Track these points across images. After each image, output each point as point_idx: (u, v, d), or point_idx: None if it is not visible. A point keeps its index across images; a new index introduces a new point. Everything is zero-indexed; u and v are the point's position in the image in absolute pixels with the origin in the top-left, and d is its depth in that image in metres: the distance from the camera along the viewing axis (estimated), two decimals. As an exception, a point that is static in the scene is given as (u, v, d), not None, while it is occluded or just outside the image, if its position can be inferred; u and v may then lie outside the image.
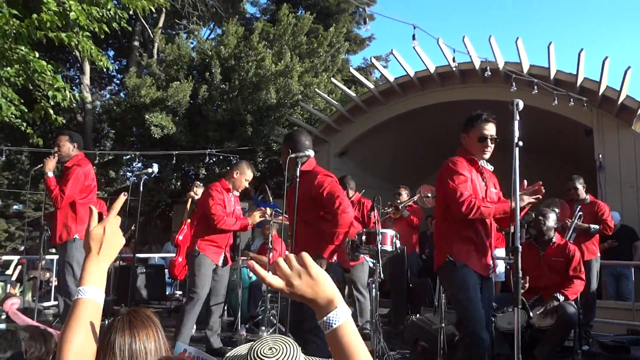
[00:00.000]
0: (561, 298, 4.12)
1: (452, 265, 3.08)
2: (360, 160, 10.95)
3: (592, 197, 5.75)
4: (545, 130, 8.74)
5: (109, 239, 1.30)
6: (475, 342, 2.86)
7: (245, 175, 4.89)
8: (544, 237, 4.51)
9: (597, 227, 5.38)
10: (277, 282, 1.07)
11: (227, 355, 1.42)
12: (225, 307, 6.44)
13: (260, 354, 1.31)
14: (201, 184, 7.15)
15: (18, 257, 8.43)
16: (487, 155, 3.23)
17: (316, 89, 12.85)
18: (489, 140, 3.17)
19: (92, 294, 1.23)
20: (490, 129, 3.17)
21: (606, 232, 5.49)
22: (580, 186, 5.63)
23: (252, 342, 1.42)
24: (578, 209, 5.42)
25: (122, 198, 1.35)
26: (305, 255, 1.08)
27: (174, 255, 7.71)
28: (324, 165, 10.53)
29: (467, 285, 3.00)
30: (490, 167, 3.36)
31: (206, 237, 4.73)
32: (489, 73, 8.16)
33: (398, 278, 6.19)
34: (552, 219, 4.55)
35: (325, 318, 1.05)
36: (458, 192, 3.00)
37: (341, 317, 1.05)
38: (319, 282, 1.07)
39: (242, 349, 1.46)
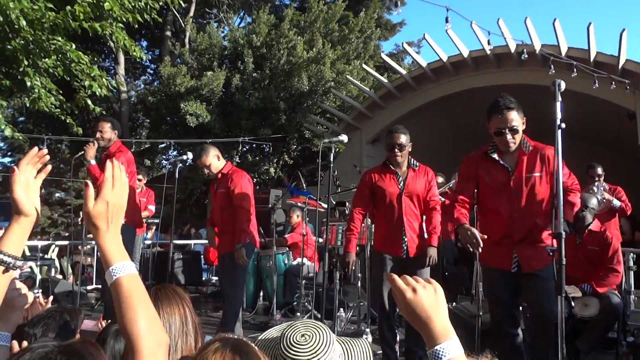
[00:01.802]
0: (586, 290, 4.00)
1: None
2: (393, 147, 10.85)
3: (609, 184, 5.74)
4: (585, 114, 8.46)
5: (113, 210, 1.16)
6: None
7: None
8: (582, 223, 4.32)
9: (619, 202, 5.48)
10: (401, 283, 1.08)
11: (260, 338, 1.42)
12: (262, 293, 6.53)
13: (294, 341, 1.30)
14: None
15: (65, 242, 8.69)
16: (512, 147, 3.04)
17: (348, 76, 12.76)
18: (506, 134, 2.99)
19: (126, 269, 1.13)
20: (506, 120, 2.97)
21: (625, 213, 5.62)
22: (602, 172, 5.67)
23: (282, 326, 1.41)
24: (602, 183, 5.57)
25: (110, 164, 1.19)
26: (434, 281, 1.11)
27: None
28: (356, 152, 10.54)
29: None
30: (528, 148, 3.10)
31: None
32: (526, 56, 7.93)
33: (433, 266, 6.12)
34: (593, 204, 4.38)
35: (437, 347, 1.01)
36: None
37: (453, 351, 1.00)
38: (440, 303, 1.06)
39: (273, 332, 1.45)
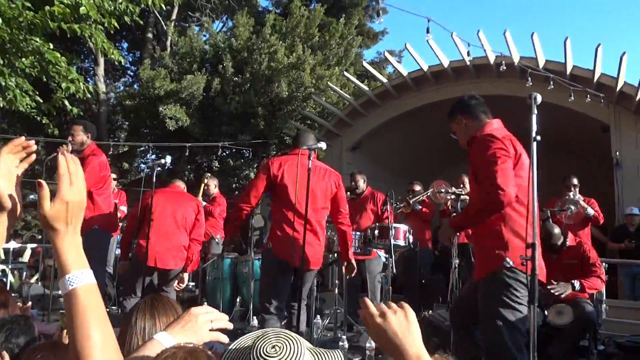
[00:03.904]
0: (577, 286, 4.03)
1: (511, 272, 2.62)
2: (373, 154, 10.90)
3: (583, 196, 5.82)
4: (561, 126, 8.62)
5: (73, 209, 1.04)
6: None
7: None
8: (555, 245, 4.39)
9: (592, 211, 5.58)
10: (371, 307, 1.06)
11: (230, 347, 1.40)
12: (238, 299, 6.48)
13: (264, 353, 1.28)
14: (211, 176, 7.20)
15: (34, 245, 8.54)
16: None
17: (329, 83, 12.79)
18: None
19: (85, 278, 1.02)
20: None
21: (598, 222, 5.76)
22: (577, 183, 5.80)
23: (255, 334, 1.39)
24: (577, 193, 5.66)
25: (62, 159, 1.07)
26: (406, 305, 1.08)
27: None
28: (336, 159, 10.56)
29: None
30: None
31: None
32: (504, 68, 8.06)
33: (410, 274, 6.16)
34: (556, 233, 4.43)
35: None
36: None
37: None
38: (412, 329, 1.03)
39: (245, 341, 1.43)
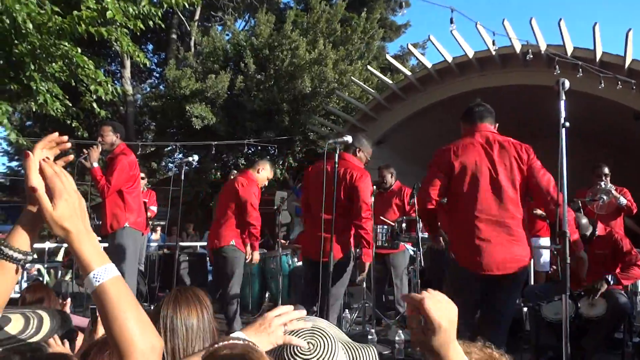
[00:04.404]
0: (611, 281, 3.94)
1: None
2: (398, 148, 10.83)
3: (615, 185, 5.65)
4: (591, 115, 8.42)
5: (76, 206, 1.03)
6: None
7: (269, 172, 5.14)
8: (583, 235, 4.27)
9: (625, 200, 5.42)
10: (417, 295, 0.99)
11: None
12: (267, 295, 6.54)
13: (298, 350, 1.29)
14: (237, 173, 7.27)
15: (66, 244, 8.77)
16: None
17: (352, 77, 12.76)
18: None
19: (109, 272, 1.02)
20: None
21: (632, 211, 5.58)
22: (608, 172, 5.62)
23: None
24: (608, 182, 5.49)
25: (44, 164, 1.05)
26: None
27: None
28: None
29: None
30: None
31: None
32: (531, 56, 7.90)
33: (438, 267, 6.12)
34: (583, 224, 4.28)
35: None
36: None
37: None
38: (452, 336, 0.98)
39: None
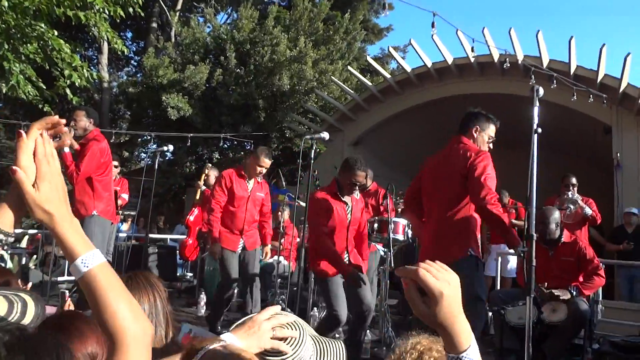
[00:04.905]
0: (574, 292, 4.06)
1: (474, 261, 3.10)
2: (374, 150, 10.90)
3: (581, 195, 5.80)
4: (562, 126, 8.62)
5: (59, 190, 1.01)
6: None
7: (257, 161, 4.82)
8: (550, 239, 4.39)
9: (590, 211, 5.56)
10: (432, 280, 0.90)
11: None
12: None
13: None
14: (212, 166, 7.22)
15: (34, 231, 8.58)
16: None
17: (332, 77, 12.78)
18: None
19: (97, 258, 0.99)
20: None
21: (596, 222, 5.70)
22: (576, 182, 5.76)
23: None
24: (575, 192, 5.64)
25: (40, 140, 1.02)
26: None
27: (185, 237, 7.78)
28: (338, 153, 10.56)
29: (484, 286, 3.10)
30: None
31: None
32: (508, 65, 8.04)
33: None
34: (553, 222, 4.40)
35: (462, 355, 0.91)
36: (490, 183, 3.00)
37: (474, 357, 0.93)
38: (460, 299, 0.92)
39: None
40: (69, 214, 1.01)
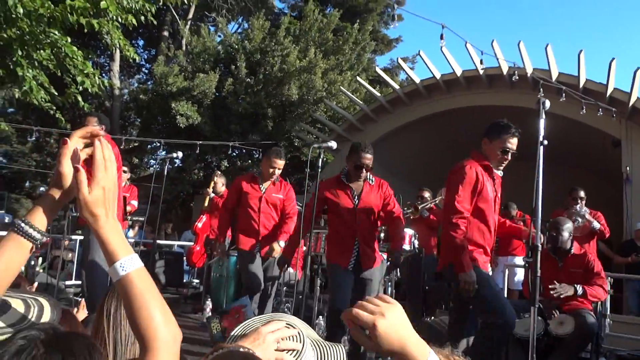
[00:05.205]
0: (580, 290, 4.01)
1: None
2: (382, 160, 10.87)
3: (590, 209, 5.77)
4: (571, 139, 8.60)
5: (109, 195, 1.05)
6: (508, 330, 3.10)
7: (269, 162, 4.76)
8: (561, 248, 4.39)
9: (598, 224, 5.54)
10: (366, 315, 0.93)
11: (235, 331, 1.42)
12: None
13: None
14: (220, 174, 7.27)
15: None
16: (502, 167, 3.38)
17: (341, 87, 12.84)
18: (509, 154, 3.28)
19: (135, 262, 1.03)
20: (514, 144, 3.27)
21: (604, 235, 5.69)
22: (584, 196, 5.75)
23: (263, 318, 1.42)
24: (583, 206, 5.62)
25: (99, 144, 1.07)
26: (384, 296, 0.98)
27: (192, 243, 7.82)
28: (345, 163, 10.57)
29: (487, 281, 3.17)
30: (500, 173, 3.48)
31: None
32: (517, 78, 8.05)
33: (414, 280, 6.16)
34: (567, 230, 4.39)
35: None
36: (459, 205, 3.19)
37: None
38: (405, 317, 0.95)
39: (253, 324, 1.45)
40: (112, 218, 1.05)
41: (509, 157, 3.28)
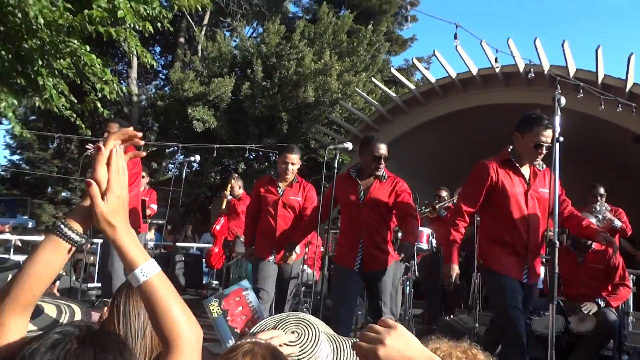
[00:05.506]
0: (602, 304, 4.01)
1: (487, 271, 3.22)
2: (399, 160, 10.86)
3: (610, 205, 5.71)
4: (590, 136, 8.50)
5: (124, 204, 1.08)
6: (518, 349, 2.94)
7: (282, 158, 4.66)
8: (582, 243, 4.36)
9: (620, 222, 5.44)
10: (365, 345, 0.97)
11: (253, 329, 1.45)
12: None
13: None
14: (238, 177, 7.34)
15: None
16: (538, 161, 3.21)
17: (356, 88, 12.85)
18: (544, 148, 3.09)
19: (154, 267, 1.06)
20: (548, 136, 3.06)
21: (626, 233, 5.60)
22: (604, 192, 5.68)
23: (277, 318, 1.44)
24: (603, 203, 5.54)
25: (114, 154, 1.08)
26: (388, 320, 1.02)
27: (210, 245, 7.90)
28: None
29: (504, 292, 3.03)
30: (540, 167, 3.29)
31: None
32: (533, 75, 7.96)
33: (433, 279, 6.15)
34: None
35: None
36: (462, 205, 3.25)
37: None
38: (411, 340, 0.98)
39: (269, 323, 1.48)
40: (128, 227, 1.08)
41: (544, 151, 3.09)
